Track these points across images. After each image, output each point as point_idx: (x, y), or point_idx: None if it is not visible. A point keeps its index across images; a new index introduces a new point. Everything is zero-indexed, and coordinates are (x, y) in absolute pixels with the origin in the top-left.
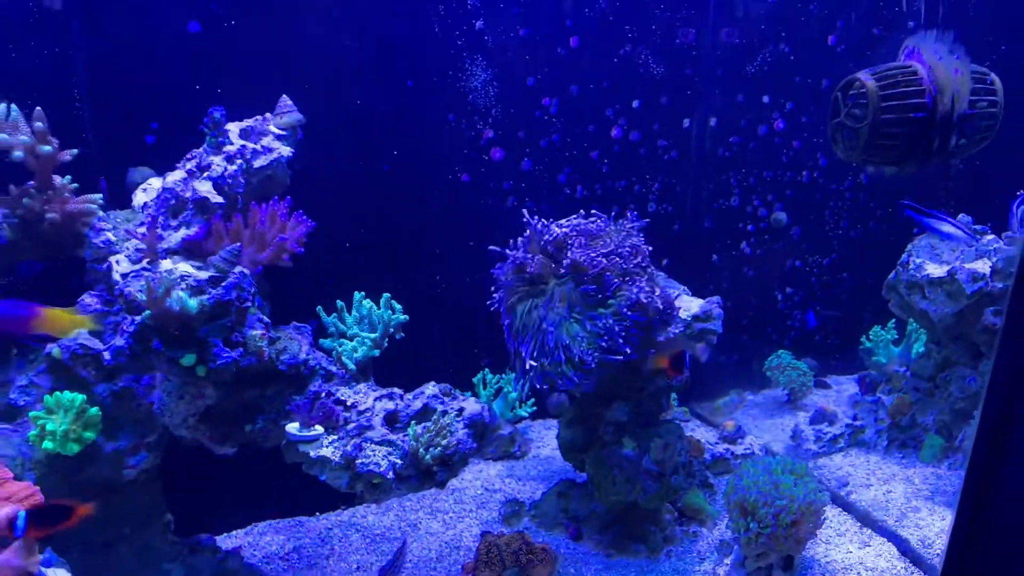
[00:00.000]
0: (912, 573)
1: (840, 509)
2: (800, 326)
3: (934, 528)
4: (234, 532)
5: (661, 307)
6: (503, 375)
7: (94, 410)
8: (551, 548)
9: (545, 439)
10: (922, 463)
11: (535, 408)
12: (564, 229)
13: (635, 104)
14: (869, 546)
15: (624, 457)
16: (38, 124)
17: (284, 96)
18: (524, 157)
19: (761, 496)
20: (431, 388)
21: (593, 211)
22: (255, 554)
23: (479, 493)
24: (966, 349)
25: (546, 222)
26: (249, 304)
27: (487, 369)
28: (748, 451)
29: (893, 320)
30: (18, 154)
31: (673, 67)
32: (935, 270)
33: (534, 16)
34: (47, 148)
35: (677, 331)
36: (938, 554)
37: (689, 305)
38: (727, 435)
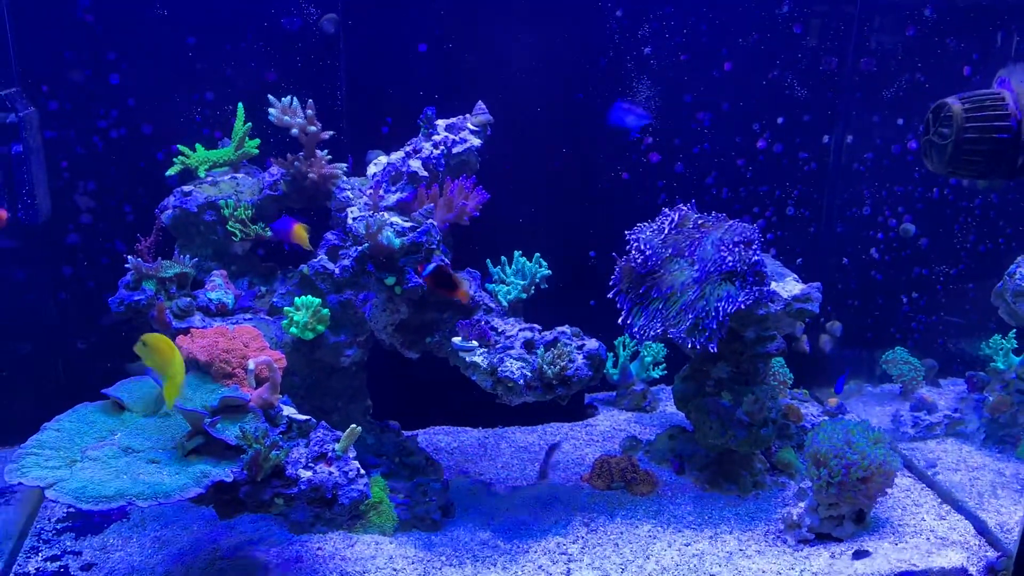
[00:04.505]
0: (986, 551)
1: (924, 485)
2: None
3: (1015, 517)
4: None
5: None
6: None
7: (325, 311)
8: (654, 474)
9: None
10: (1017, 459)
11: (666, 372)
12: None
13: (779, 120)
14: (944, 520)
15: (720, 406)
16: (308, 111)
17: (480, 102)
18: (677, 161)
19: (832, 449)
20: (564, 327)
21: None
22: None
23: (607, 430)
24: None
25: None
26: (435, 247)
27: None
28: None
29: (1014, 331)
30: (294, 131)
31: (815, 90)
32: None
33: (694, 44)
34: (313, 128)
35: (778, 308)
36: (1015, 541)
37: (792, 288)
38: (829, 409)
